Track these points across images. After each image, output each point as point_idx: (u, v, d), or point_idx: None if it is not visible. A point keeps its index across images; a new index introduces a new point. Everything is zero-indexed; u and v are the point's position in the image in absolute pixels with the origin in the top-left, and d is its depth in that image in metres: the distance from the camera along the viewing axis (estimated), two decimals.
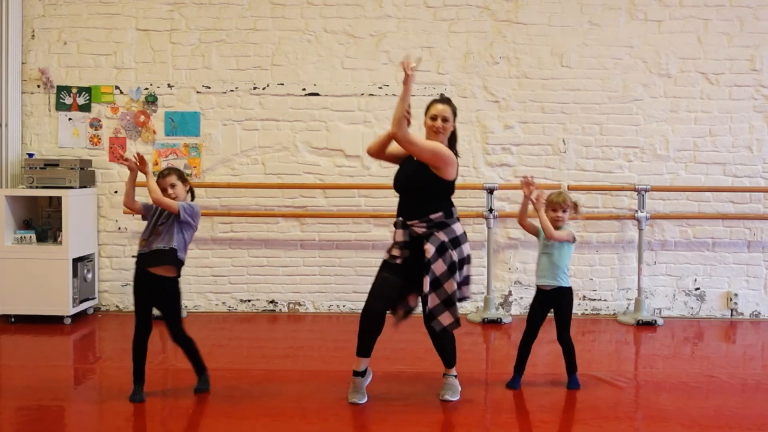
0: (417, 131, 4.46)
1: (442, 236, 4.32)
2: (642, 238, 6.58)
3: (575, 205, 4.66)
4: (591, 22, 6.74)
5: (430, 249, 4.29)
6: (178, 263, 4.41)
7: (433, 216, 4.34)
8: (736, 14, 6.72)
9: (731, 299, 6.80)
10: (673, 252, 6.84)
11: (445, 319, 4.35)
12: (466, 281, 4.45)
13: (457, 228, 4.40)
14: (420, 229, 4.33)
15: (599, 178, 6.79)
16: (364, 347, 4.41)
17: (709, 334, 6.33)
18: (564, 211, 4.59)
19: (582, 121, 6.78)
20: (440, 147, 4.35)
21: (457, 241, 4.36)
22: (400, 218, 4.41)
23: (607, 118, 6.78)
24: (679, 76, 6.76)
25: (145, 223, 4.49)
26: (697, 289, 6.85)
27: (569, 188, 6.69)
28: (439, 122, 4.38)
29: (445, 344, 4.49)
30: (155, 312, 4.46)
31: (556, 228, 4.58)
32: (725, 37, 6.74)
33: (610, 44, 6.74)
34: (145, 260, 4.42)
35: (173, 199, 4.39)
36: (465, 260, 4.41)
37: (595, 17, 6.74)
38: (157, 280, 4.39)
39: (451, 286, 4.31)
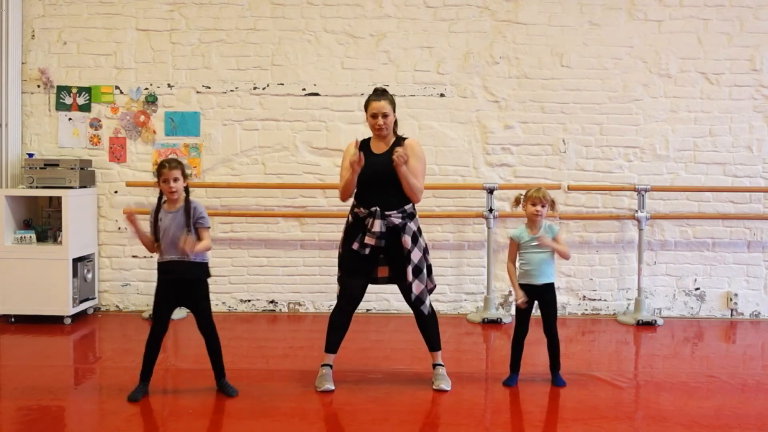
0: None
1: (413, 225, 4.58)
2: (642, 238, 6.58)
3: (552, 203, 4.71)
4: (591, 22, 6.74)
5: (407, 240, 4.50)
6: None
7: (407, 207, 4.55)
8: (736, 14, 6.72)
9: (731, 299, 6.80)
10: (673, 252, 6.84)
11: (428, 300, 4.62)
12: (430, 270, 4.69)
13: (418, 218, 4.66)
14: (397, 219, 4.50)
15: (599, 178, 6.79)
16: (335, 345, 4.68)
17: (709, 334, 6.33)
18: (543, 206, 4.64)
19: (582, 121, 6.78)
20: (423, 160, 4.62)
21: (420, 231, 4.65)
22: (376, 208, 4.47)
23: (607, 118, 6.78)
24: (679, 76, 6.75)
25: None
26: (697, 289, 6.85)
27: (569, 188, 6.71)
28: (380, 120, 4.57)
29: (433, 325, 4.68)
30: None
31: (535, 224, 4.67)
32: (725, 37, 6.74)
33: (610, 44, 6.74)
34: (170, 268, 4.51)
35: (172, 192, 4.42)
36: (427, 249, 4.68)
37: (595, 17, 6.74)
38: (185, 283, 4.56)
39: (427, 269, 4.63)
